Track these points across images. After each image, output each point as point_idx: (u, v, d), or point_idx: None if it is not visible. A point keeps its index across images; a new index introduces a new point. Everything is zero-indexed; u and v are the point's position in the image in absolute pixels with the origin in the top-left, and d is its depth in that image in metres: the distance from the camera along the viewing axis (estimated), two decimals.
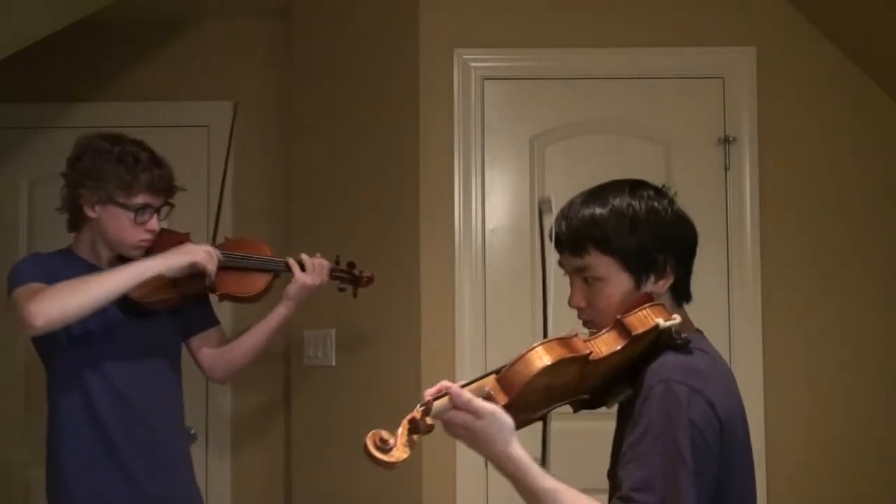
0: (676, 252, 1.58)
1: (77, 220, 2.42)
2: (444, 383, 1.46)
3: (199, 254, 2.29)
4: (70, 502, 2.35)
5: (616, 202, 1.57)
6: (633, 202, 1.56)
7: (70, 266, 2.36)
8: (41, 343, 2.38)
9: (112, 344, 2.37)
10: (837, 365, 3.03)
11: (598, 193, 1.61)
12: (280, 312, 2.53)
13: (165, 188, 2.38)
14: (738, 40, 3.06)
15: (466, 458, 2.91)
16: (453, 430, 1.47)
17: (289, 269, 2.50)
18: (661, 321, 1.49)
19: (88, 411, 2.35)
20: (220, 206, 2.54)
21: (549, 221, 1.58)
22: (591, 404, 1.61)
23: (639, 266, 1.55)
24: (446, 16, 3.04)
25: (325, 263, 2.54)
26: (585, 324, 1.62)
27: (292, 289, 2.51)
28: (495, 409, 1.42)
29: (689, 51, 3.06)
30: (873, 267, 3.06)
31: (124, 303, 2.29)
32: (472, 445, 1.46)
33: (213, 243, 2.47)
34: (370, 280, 2.66)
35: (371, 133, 3.17)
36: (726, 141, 3.02)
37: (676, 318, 1.50)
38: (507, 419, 1.44)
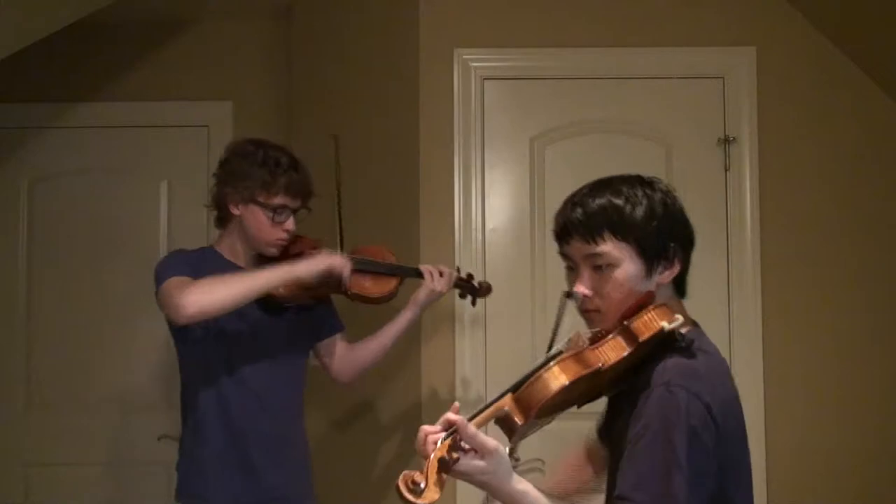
0: (683, 244, 1.61)
1: (223, 218, 2.53)
2: (451, 416, 1.45)
3: (336, 261, 2.42)
4: (201, 489, 2.47)
5: (630, 192, 1.59)
6: (648, 192, 1.59)
7: (213, 262, 2.49)
8: (178, 337, 2.49)
9: (245, 341, 2.48)
10: (838, 365, 3.03)
11: (607, 184, 1.62)
12: (407, 316, 2.64)
13: (302, 191, 2.50)
14: (738, 40, 3.06)
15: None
16: (458, 470, 1.46)
17: (420, 275, 2.61)
18: (665, 324, 1.50)
19: (221, 406, 2.46)
20: (340, 219, 2.61)
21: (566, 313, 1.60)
22: (594, 398, 1.63)
23: (652, 253, 1.57)
24: (446, 16, 3.04)
25: (453, 272, 2.65)
26: (586, 312, 1.62)
27: (421, 294, 2.62)
28: (497, 447, 1.44)
29: (689, 51, 3.06)
30: (873, 267, 3.06)
31: (259, 301, 2.41)
32: (475, 480, 1.47)
33: (342, 248, 2.55)
34: (488, 290, 2.75)
35: (371, 133, 3.17)
36: (726, 141, 3.02)
37: (679, 319, 1.51)
38: (505, 453, 1.47)
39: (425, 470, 1.38)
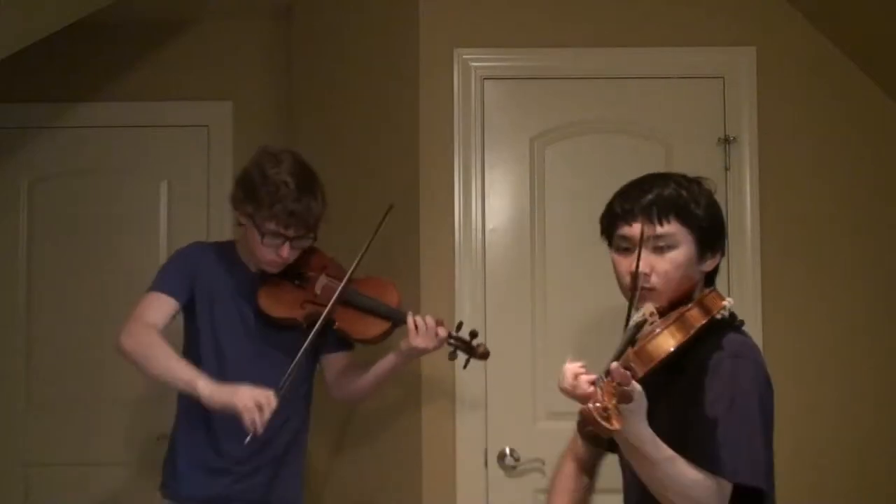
0: (725, 238, 1.78)
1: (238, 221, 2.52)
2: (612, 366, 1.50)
3: (246, 403, 2.24)
4: (177, 483, 2.52)
5: (694, 187, 1.75)
6: (705, 190, 1.76)
7: (228, 264, 2.52)
8: (184, 336, 2.54)
9: (243, 346, 2.49)
10: (838, 364, 3.02)
11: (669, 177, 1.77)
12: (389, 361, 2.54)
13: (298, 223, 2.41)
14: (738, 40, 3.05)
15: (466, 458, 2.91)
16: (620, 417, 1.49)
17: (405, 323, 2.48)
18: (726, 303, 1.68)
19: (206, 425, 2.47)
20: (367, 248, 2.54)
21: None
22: None
23: (707, 242, 1.73)
24: (446, 16, 3.04)
25: (441, 331, 2.48)
26: (632, 290, 1.70)
27: (403, 345, 2.50)
28: (641, 389, 1.51)
29: (689, 51, 3.06)
30: (873, 267, 3.06)
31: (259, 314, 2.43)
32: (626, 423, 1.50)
33: (350, 277, 2.49)
34: (485, 355, 2.58)
35: (371, 133, 3.17)
36: (726, 141, 3.02)
37: (731, 300, 1.69)
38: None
39: (604, 401, 1.43)
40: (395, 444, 3.03)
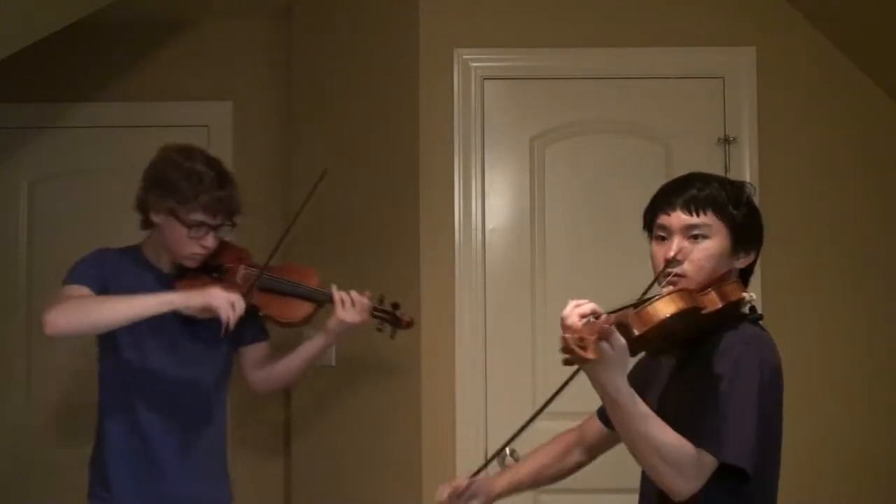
0: (760, 242, 1.84)
1: (146, 222, 2.50)
2: (594, 307, 1.58)
3: (220, 301, 2.28)
4: (108, 491, 2.46)
5: (734, 187, 1.82)
6: (745, 191, 1.83)
7: (134, 266, 2.48)
8: (98, 340, 2.49)
9: (162, 348, 2.46)
10: (839, 365, 3.03)
11: (710, 177, 1.83)
12: (317, 342, 2.57)
13: (224, 210, 2.43)
14: (738, 40, 3.06)
15: (466, 457, 2.91)
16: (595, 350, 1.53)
17: (331, 300, 2.52)
18: (746, 295, 1.74)
19: (131, 412, 2.45)
20: (284, 235, 2.55)
21: None
22: (664, 353, 1.82)
23: (740, 239, 1.79)
24: (446, 16, 3.04)
25: (366, 303, 2.53)
26: (663, 276, 1.76)
27: (331, 322, 2.53)
28: (624, 342, 1.56)
29: (689, 51, 3.06)
30: (873, 267, 3.06)
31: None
32: (598, 372, 1.56)
33: (267, 264, 2.50)
34: (409, 324, 2.64)
35: (371, 133, 3.17)
36: (726, 141, 3.02)
37: (754, 295, 1.76)
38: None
39: (582, 332, 1.48)
40: (396, 444, 3.03)
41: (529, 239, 3.02)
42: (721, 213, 1.77)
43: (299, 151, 3.40)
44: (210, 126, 3.63)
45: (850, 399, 3.02)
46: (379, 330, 2.62)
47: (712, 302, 1.70)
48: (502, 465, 2.92)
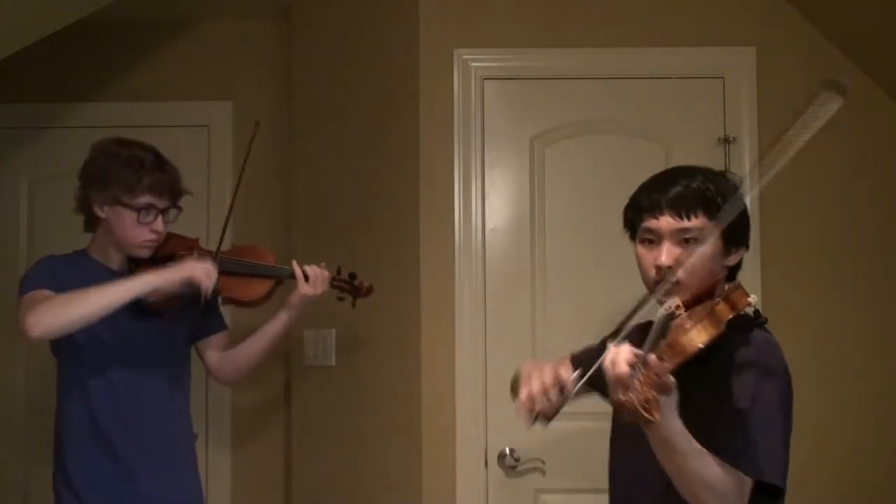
0: (749, 233, 1.78)
1: (90, 221, 2.50)
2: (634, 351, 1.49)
3: (197, 270, 2.34)
4: (78, 498, 2.41)
5: (720, 181, 1.75)
6: (731, 182, 1.76)
7: (83, 269, 2.45)
8: (52, 346, 2.46)
9: (116, 346, 2.43)
10: (839, 364, 3.03)
11: (695, 171, 1.76)
12: (281, 318, 2.60)
13: (169, 191, 2.45)
14: (738, 40, 3.06)
15: (466, 458, 2.92)
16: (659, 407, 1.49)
17: (293, 276, 2.55)
18: (751, 299, 1.65)
19: (90, 417, 2.42)
20: (229, 213, 2.59)
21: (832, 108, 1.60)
22: None
23: (732, 236, 1.72)
24: (446, 16, 3.04)
25: (325, 274, 2.59)
26: (656, 283, 1.70)
27: (293, 297, 2.57)
28: (675, 383, 1.49)
29: (689, 51, 3.06)
30: (874, 267, 3.06)
31: (131, 305, 2.34)
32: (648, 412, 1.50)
33: (219, 248, 2.52)
34: (369, 291, 2.70)
35: (371, 133, 3.17)
36: (726, 141, 3.02)
37: (755, 297, 1.66)
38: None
39: (644, 391, 1.42)
40: (395, 443, 3.03)
41: (529, 239, 3.02)
42: (711, 213, 1.69)
43: (299, 151, 3.39)
44: (210, 126, 3.64)
45: (850, 399, 3.02)
46: (340, 299, 2.67)
47: (725, 314, 1.63)
48: (502, 465, 2.92)
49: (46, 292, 2.34)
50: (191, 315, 2.53)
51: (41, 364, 3.61)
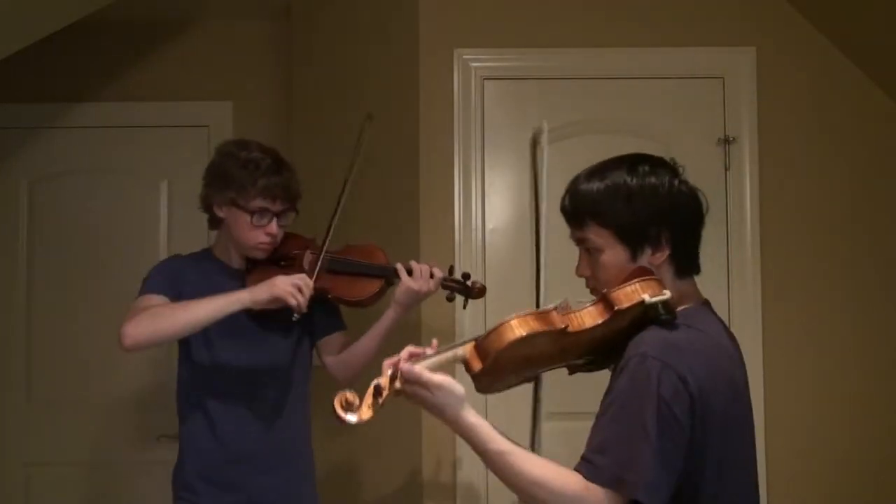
0: (673, 225, 1.62)
1: (213, 220, 2.52)
2: (406, 352, 1.58)
3: (285, 288, 2.32)
4: (191, 491, 2.48)
5: (613, 177, 1.65)
6: (628, 178, 1.64)
7: (205, 270, 2.49)
8: (179, 344, 2.50)
9: (235, 348, 2.46)
10: (839, 363, 3.03)
11: (599, 169, 1.70)
12: (389, 315, 2.56)
13: (283, 195, 2.45)
14: (738, 40, 3.06)
15: (466, 458, 2.91)
16: (411, 399, 1.57)
17: (397, 274, 2.52)
18: (647, 297, 1.53)
19: (208, 414, 2.46)
20: (335, 213, 2.57)
21: (543, 154, 1.66)
22: (591, 369, 1.69)
23: (632, 238, 1.61)
24: (446, 16, 3.04)
25: (436, 272, 2.53)
26: (592, 291, 1.68)
27: (399, 293, 2.52)
28: (443, 382, 1.54)
29: (689, 51, 3.06)
30: (874, 266, 3.06)
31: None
32: (429, 412, 1.57)
33: (324, 247, 2.51)
34: (482, 291, 2.61)
35: (371, 133, 3.16)
36: (726, 141, 3.02)
37: (666, 294, 1.54)
38: (458, 389, 1.56)
39: (365, 392, 1.50)
40: (396, 444, 3.03)
41: (529, 239, 3.01)
42: (600, 220, 1.62)
43: (299, 151, 3.39)
44: (210, 126, 3.64)
45: (850, 398, 3.02)
46: (449, 299, 2.62)
47: (592, 316, 1.54)
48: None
49: (157, 299, 2.37)
50: (308, 315, 2.47)
51: (41, 362, 3.62)
